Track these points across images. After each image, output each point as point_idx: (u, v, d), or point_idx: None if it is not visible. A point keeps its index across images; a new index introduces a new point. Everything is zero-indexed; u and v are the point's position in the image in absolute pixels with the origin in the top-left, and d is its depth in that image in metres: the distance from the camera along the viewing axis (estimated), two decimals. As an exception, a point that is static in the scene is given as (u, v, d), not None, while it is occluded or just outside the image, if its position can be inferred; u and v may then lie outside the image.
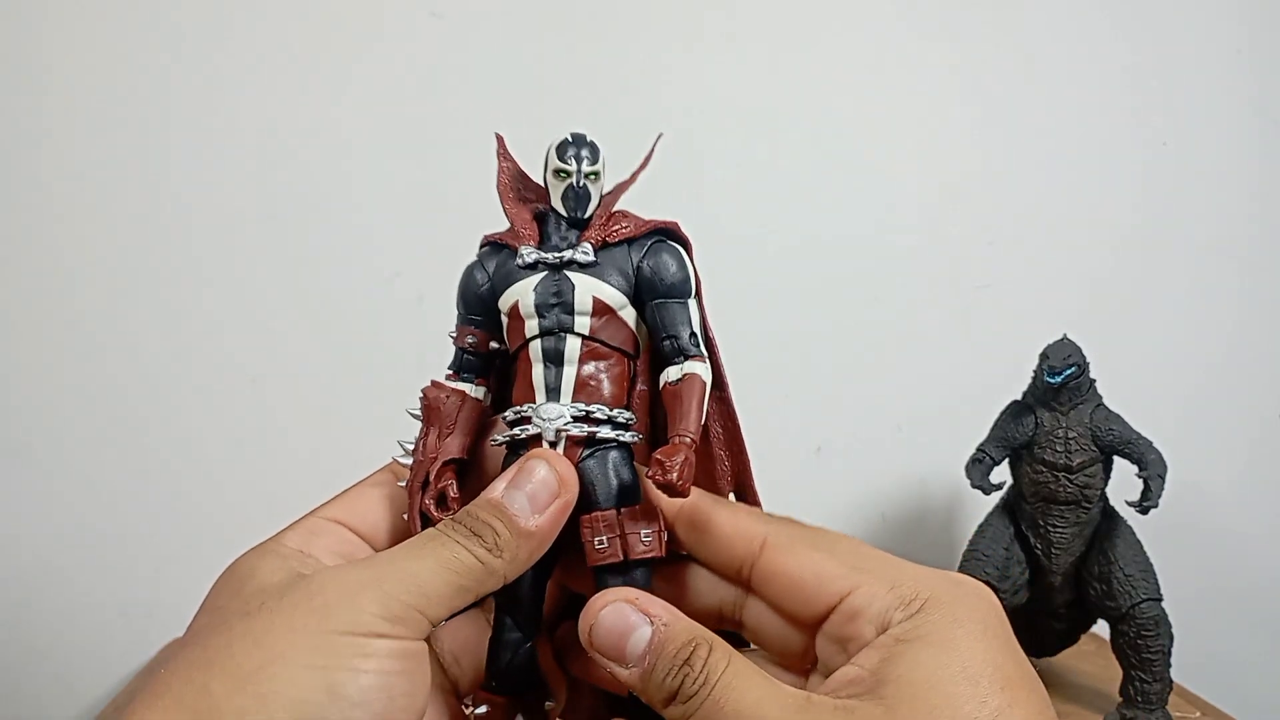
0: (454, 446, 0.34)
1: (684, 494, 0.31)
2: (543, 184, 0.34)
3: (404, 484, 0.33)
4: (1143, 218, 0.91)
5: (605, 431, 0.32)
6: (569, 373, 0.33)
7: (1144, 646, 0.66)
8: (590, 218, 0.33)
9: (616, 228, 0.33)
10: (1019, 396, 0.72)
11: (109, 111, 0.78)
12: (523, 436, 0.33)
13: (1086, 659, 0.77)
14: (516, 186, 0.35)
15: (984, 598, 0.29)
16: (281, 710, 0.26)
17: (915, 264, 0.88)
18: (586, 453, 0.32)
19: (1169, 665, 0.66)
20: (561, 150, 0.33)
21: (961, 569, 0.71)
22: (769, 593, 0.32)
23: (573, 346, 0.33)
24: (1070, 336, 0.69)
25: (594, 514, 0.32)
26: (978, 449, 0.71)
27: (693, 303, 0.34)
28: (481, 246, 0.35)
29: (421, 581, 0.29)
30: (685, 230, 0.34)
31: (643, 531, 0.32)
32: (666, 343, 0.33)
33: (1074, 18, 0.88)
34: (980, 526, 0.72)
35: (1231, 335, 0.92)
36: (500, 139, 0.35)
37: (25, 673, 0.80)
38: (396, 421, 0.37)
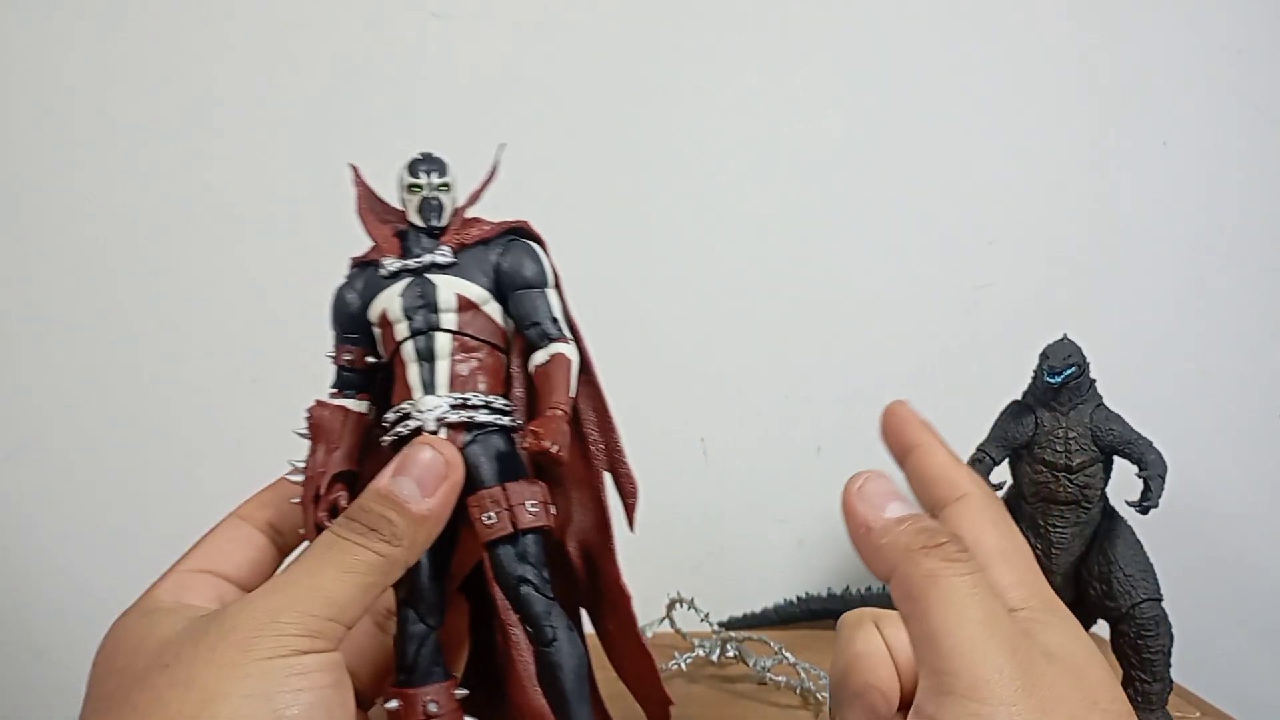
0: (341, 460, 0.36)
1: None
2: (400, 203, 0.36)
3: (297, 500, 0.35)
4: (1142, 218, 0.91)
5: (483, 416, 0.34)
6: (443, 367, 0.34)
7: (1144, 646, 0.66)
8: (446, 226, 0.36)
9: (471, 230, 0.36)
10: (1019, 396, 0.72)
11: (107, 111, 0.78)
12: (406, 432, 0.34)
13: (1086, 659, 0.77)
14: (375, 209, 0.38)
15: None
16: None
17: (915, 264, 0.88)
18: (469, 438, 0.34)
19: (1169, 665, 0.66)
20: (413, 168, 0.36)
21: (961, 569, 0.70)
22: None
23: (443, 343, 0.35)
24: (1070, 336, 0.69)
25: (479, 492, 0.33)
26: (978, 449, 0.71)
27: (551, 292, 0.36)
28: (350, 270, 0.37)
29: (329, 592, 0.29)
30: (535, 225, 0.37)
31: (528, 503, 0.33)
32: (531, 330, 0.35)
33: (1073, 17, 0.88)
34: (980, 526, 0.72)
35: (1231, 335, 0.92)
36: (355, 169, 0.38)
37: (25, 673, 0.80)
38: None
